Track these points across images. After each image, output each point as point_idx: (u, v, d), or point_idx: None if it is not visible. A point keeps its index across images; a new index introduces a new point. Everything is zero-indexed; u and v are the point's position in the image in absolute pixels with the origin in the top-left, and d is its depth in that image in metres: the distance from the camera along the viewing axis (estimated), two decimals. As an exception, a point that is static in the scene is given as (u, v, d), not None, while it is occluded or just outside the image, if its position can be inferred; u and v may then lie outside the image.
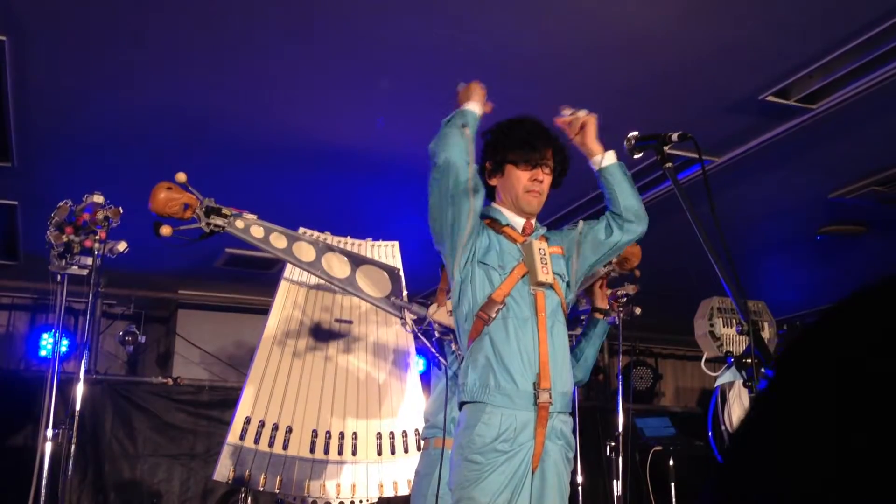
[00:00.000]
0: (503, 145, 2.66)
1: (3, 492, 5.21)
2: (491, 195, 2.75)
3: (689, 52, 3.65)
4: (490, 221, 2.70)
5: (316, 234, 4.18)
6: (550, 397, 2.48)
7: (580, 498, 5.07)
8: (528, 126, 2.65)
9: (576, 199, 5.25)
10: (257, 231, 3.35)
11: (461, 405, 2.56)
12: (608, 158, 2.66)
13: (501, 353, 2.49)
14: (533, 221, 2.72)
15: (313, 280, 4.19)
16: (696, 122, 4.05)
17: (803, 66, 3.74)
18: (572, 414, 2.71)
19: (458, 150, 2.55)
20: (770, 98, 3.98)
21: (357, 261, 3.60)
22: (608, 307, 3.58)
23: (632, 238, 2.76)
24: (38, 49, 3.65)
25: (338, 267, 3.53)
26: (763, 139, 4.40)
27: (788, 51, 3.63)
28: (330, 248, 3.57)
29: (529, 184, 2.64)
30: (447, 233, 2.58)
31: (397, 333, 4.28)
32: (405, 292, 3.82)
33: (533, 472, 2.48)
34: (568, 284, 2.75)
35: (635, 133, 2.47)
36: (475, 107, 2.62)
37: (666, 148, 2.35)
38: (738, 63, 3.74)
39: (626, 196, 2.68)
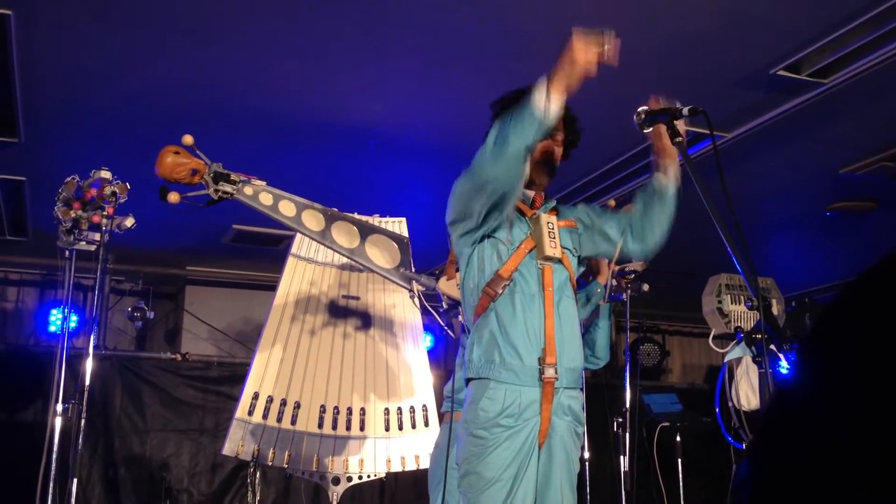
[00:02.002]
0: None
1: (14, 465, 5.26)
2: None
3: (699, 26, 3.61)
4: None
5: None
6: (556, 373, 2.47)
7: (587, 473, 5.08)
8: None
9: (590, 172, 5.21)
10: (266, 198, 3.32)
11: (467, 381, 2.57)
12: (676, 180, 2.61)
13: (507, 328, 2.48)
14: (543, 194, 2.70)
15: (321, 256, 4.19)
16: (705, 96, 4.02)
17: (815, 39, 3.69)
18: (583, 389, 2.71)
19: (517, 179, 2.41)
20: (781, 72, 3.94)
21: (366, 230, 3.58)
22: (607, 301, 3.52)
23: (641, 257, 2.81)
24: (44, 23, 3.62)
25: (347, 237, 3.50)
26: (774, 114, 4.36)
27: (800, 24, 3.58)
28: (340, 217, 3.54)
29: (539, 156, 2.61)
30: (473, 220, 2.51)
31: (405, 309, 4.28)
32: (413, 267, 3.81)
33: (539, 448, 2.48)
34: (579, 259, 2.74)
35: (645, 107, 2.44)
36: (560, 101, 2.29)
37: (676, 122, 2.32)
38: (749, 36, 3.69)
39: (665, 228, 2.68)
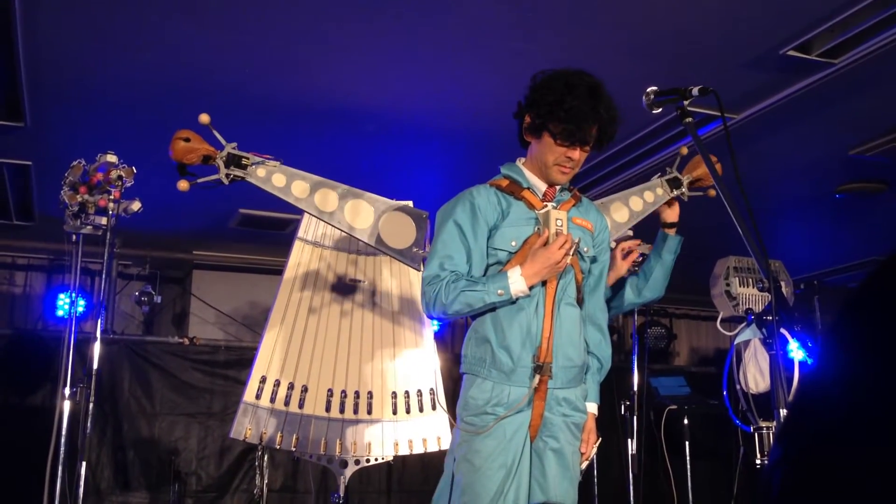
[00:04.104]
0: (547, 112, 2.46)
1: (24, 448, 5.29)
2: (522, 143, 2.65)
3: (709, 6, 3.58)
4: (509, 183, 2.63)
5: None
6: (550, 372, 2.47)
7: (594, 456, 5.08)
8: (580, 97, 2.43)
9: (602, 152, 5.16)
10: (279, 179, 3.29)
11: (462, 375, 2.60)
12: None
13: (504, 328, 2.48)
14: (556, 186, 2.63)
15: (328, 240, 4.18)
16: (715, 77, 3.98)
17: (825, 19, 3.65)
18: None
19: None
20: (791, 52, 3.90)
21: (382, 208, 3.53)
22: (677, 221, 3.36)
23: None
24: (48, 6, 3.60)
25: (357, 217, 3.45)
26: (783, 95, 4.31)
27: (810, 4, 3.54)
28: (355, 196, 3.49)
29: (563, 159, 2.52)
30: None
31: (412, 293, 4.27)
32: (426, 246, 3.77)
33: (532, 442, 2.50)
34: (595, 259, 2.69)
35: (654, 88, 2.42)
36: (523, 286, 2.46)
37: (686, 103, 2.30)
38: (759, 16, 3.65)
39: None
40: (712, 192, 3.68)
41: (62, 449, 3.61)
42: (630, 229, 3.70)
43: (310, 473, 5.88)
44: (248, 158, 3.18)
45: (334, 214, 3.42)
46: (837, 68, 4.01)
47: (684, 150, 3.71)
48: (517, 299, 2.46)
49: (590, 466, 5.26)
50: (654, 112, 2.50)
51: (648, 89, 2.43)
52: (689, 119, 2.31)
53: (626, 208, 3.61)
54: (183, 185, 3.02)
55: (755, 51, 3.92)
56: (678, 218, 3.32)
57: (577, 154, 2.52)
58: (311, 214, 3.51)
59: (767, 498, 0.59)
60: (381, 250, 3.59)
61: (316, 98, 4.47)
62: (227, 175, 3.11)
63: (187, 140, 3.03)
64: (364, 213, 3.47)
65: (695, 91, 2.29)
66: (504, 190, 2.60)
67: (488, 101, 4.40)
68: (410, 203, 4.30)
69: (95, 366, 3.65)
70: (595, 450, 2.67)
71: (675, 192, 3.58)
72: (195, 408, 6.32)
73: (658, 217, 3.43)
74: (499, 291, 2.42)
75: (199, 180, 3.07)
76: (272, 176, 3.28)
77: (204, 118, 3.05)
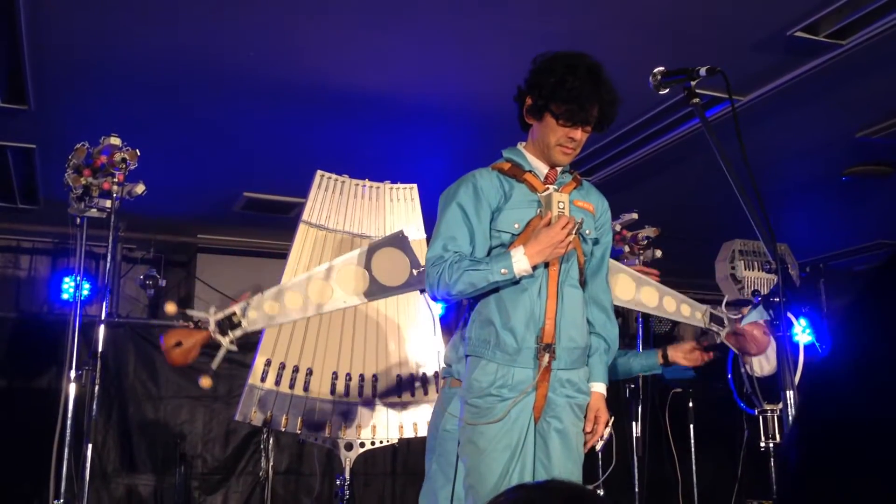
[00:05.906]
0: (549, 93, 2.47)
1: (30, 431, 5.31)
2: (523, 126, 2.65)
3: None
4: (511, 166, 2.63)
5: (335, 176, 4.15)
6: (554, 353, 2.48)
7: (605, 437, 5.08)
8: (580, 77, 2.43)
9: (605, 136, 5.13)
10: (272, 307, 3.10)
11: (466, 356, 2.59)
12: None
13: (508, 309, 2.49)
14: (558, 169, 2.64)
15: (332, 223, 4.17)
16: (721, 59, 3.94)
17: (834, -1, 3.62)
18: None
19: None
20: (798, 33, 3.86)
21: (365, 257, 3.29)
22: (687, 367, 3.43)
23: None
24: (51, -12, 3.59)
25: (355, 283, 3.24)
26: (790, 77, 4.28)
27: (819, -16, 3.52)
28: (339, 267, 3.25)
29: (565, 139, 2.53)
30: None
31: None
32: (415, 252, 3.69)
33: (536, 423, 2.51)
34: (596, 241, 2.69)
35: (661, 68, 2.40)
36: (526, 265, 2.44)
37: (693, 83, 2.28)
38: (767, -3, 3.63)
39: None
40: (746, 360, 3.68)
41: (68, 432, 3.62)
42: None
43: (315, 456, 5.90)
44: (235, 314, 2.98)
45: (335, 298, 3.20)
46: (845, 49, 3.98)
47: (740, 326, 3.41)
48: (520, 279, 2.45)
49: (593, 449, 5.26)
50: (660, 93, 2.48)
51: (655, 70, 2.42)
52: (697, 100, 2.30)
53: (657, 298, 3.44)
54: (206, 382, 2.90)
55: (762, 32, 3.89)
56: (689, 367, 3.36)
57: (579, 134, 2.52)
58: (321, 313, 3.34)
59: (784, 475, 0.58)
60: (389, 295, 3.44)
61: (320, 82, 4.45)
62: (231, 342, 2.96)
63: (179, 344, 2.83)
64: (358, 276, 3.26)
65: (702, 71, 2.27)
66: (506, 173, 2.61)
67: (493, 84, 4.38)
68: (415, 186, 4.28)
69: (100, 349, 3.66)
70: (609, 429, 2.67)
71: (712, 327, 3.39)
72: (200, 391, 6.30)
73: (679, 340, 3.43)
74: (502, 270, 2.41)
75: (214, 365, 2.91)
76: (263, 307, 3.08)
77: (170, 308, 2.92)
